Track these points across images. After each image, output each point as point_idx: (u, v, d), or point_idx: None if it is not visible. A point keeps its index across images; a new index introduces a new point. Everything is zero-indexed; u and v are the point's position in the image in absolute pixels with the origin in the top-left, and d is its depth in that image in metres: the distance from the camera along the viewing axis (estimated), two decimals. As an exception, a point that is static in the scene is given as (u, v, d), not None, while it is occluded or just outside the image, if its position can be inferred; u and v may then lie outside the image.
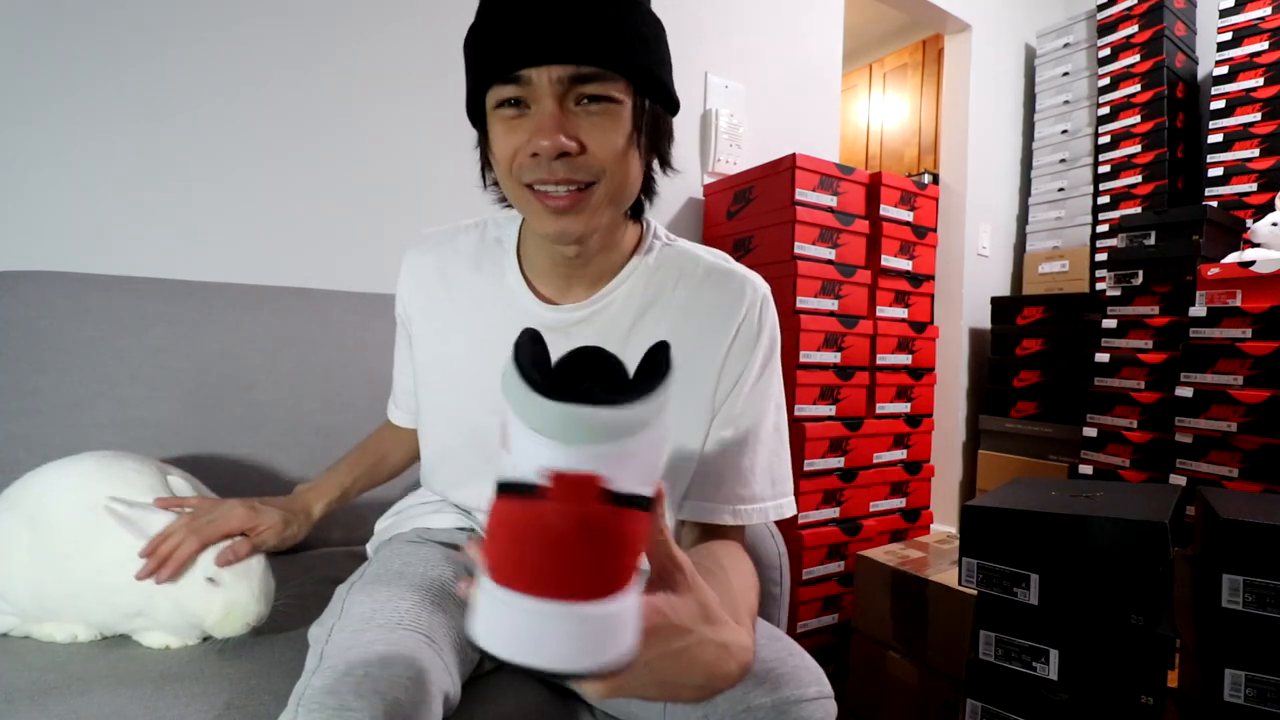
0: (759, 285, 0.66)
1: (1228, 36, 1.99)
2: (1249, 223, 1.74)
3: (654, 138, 0.58)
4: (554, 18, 0.49)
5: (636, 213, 0.64)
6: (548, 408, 0.28)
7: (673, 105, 0.59)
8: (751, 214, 1.58)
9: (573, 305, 0.64)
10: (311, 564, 0.88)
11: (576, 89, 0.51)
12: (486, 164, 0.59)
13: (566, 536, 0.29)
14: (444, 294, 0.69)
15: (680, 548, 0.63)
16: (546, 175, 0.52)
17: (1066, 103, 2.39)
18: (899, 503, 1.63)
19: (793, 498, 0.69)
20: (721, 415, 0.64)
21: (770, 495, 0.66)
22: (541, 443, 0.29)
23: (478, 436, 0.66)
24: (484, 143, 0.57)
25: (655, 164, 0.62)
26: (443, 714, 0.51)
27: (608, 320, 0.64)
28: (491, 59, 0.52)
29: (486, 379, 0.64)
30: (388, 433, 0.84)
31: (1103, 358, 1.78)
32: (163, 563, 0.63)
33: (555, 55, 0.49)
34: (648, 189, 0.63)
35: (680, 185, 1.75)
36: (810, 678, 0.55)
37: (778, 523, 0.85)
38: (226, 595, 0.63)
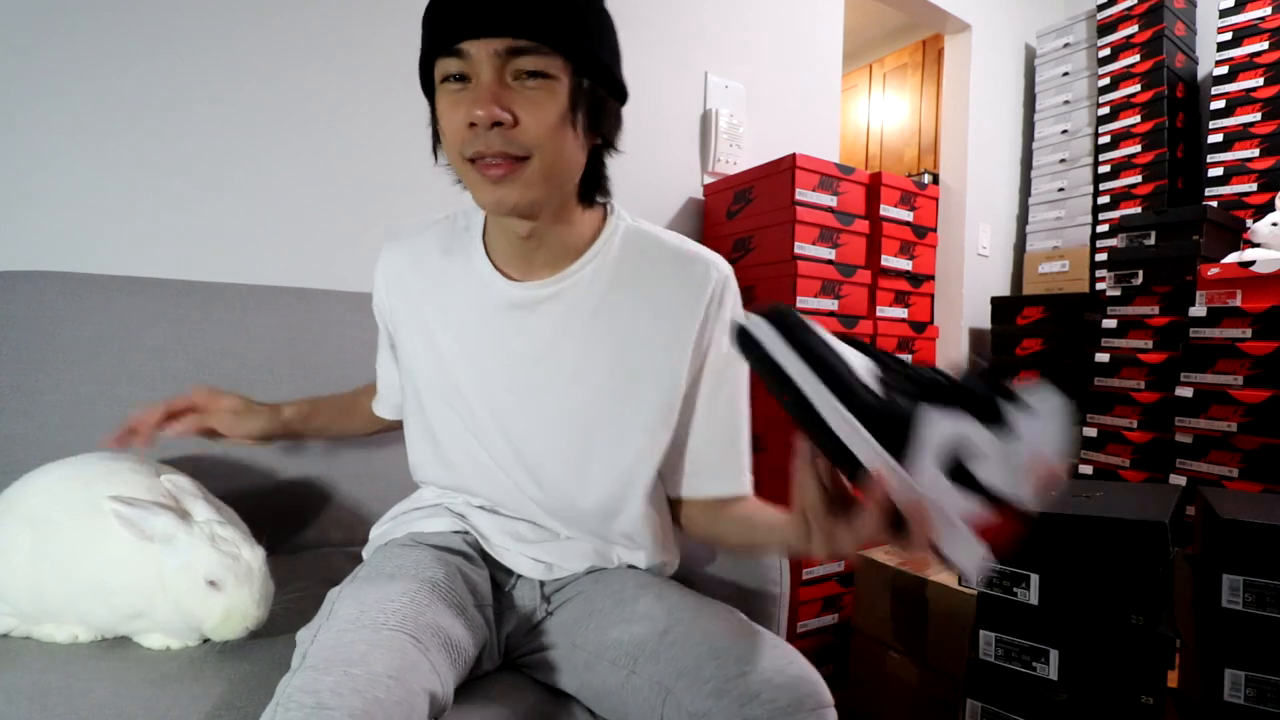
0: (722, 266, 0.69)
1: (1228, 36, 1.99)
2: (1249, 223, 1.74)
3: (595, 119, 0.59)
4: None
5: (590, 198, 0.66)
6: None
7: (619, 92, 0.62)
8: (751, 214, 1.58)
9: (538, 283, 0.66)
10: (311, 566, 0.88)
11: (513, 63, 0.54)
12: (437, 139, 0.61)
13: None
14: (418, 283, 0.72)
15: (691, 522, 0.73)
16: (484, 148, 0.55)
17: (1066, 103, 2.39)
18: (899, 503, 1.63)
19: (749, 473, 0.73)
20: (704, 394, 0.68)
21: (748, 466, 0.71)
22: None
23: (470, 414, 0.70)
24: (435, 118, 0.60)
25: (605, 151, 0.64)
26: (430, 713, 0.51)
27: (574, 298, 0.66)
28: (436, 32, 0.55)
29: (465, 358, 0.69)
30: (359, 400, 0.87)
31: (1103, 358, 1.78)
32: (132, 431, 0.69)
33: (492, 29, 0.52)
34: (596, 175, 0.65)
35: (680, 185, 1.75)
36: (808, 688, 0.54)
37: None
38: (226, 599, 0.63)
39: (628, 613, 0.64)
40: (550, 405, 0.67)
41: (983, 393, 0.40)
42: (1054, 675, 0.91)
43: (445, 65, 0.56)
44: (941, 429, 0.39)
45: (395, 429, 0.84)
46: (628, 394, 0.67)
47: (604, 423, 0.67)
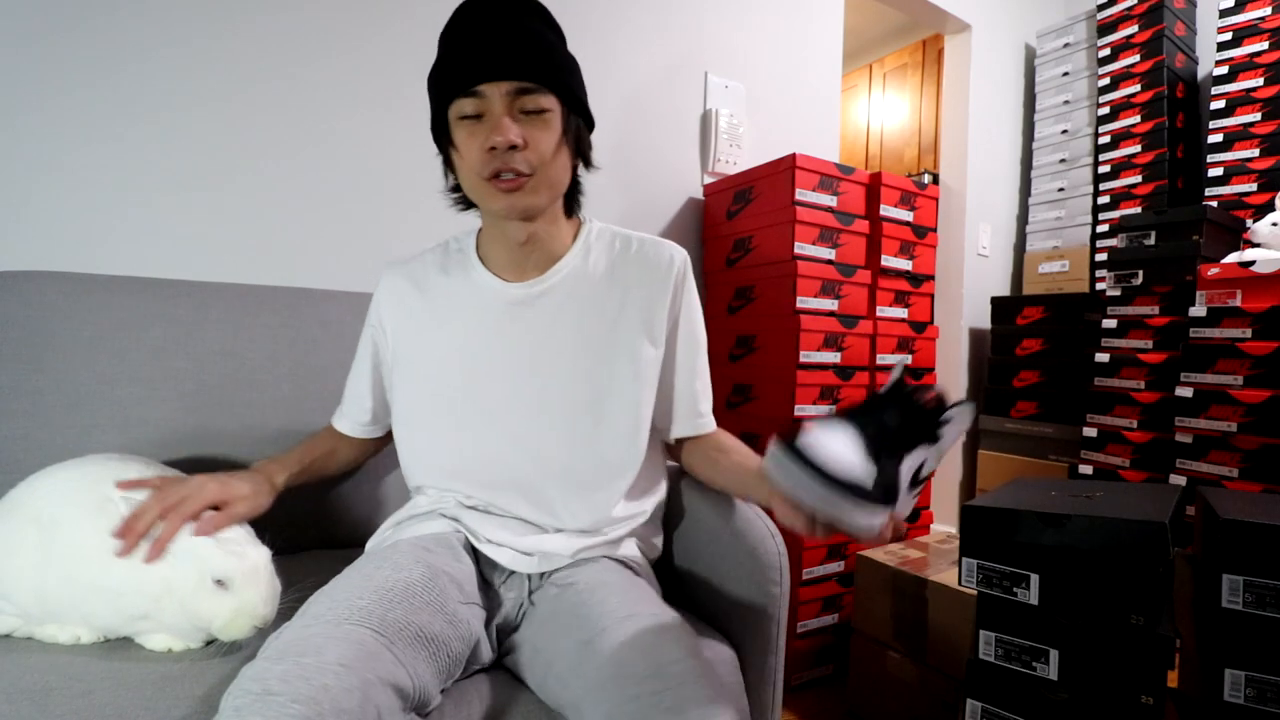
0: (681, 250, 0.84)
1: (1228, 36, 1.99)
2: (1249, 223, 1.74)
3: (577, 143, 0.75)
4: (503, 49, 0.67)
5: (571, 208, 0.82)
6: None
7: (591, 122, 0.78)
8: (751, 214, 1.58)
9: (531, 281, 0.79)
10: (313, 567, 0.88)
11: (520, 101, 0.68)
12: (449, 168, 0.76)
13: None
14: (419, 299, 0.82)
15: (688, 461, 0.87)
16: (501, 165, 0.68)
17: (1066, 103, 2.39)
18: (899, 503, 1.63)
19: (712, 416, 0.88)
20: (680, 352, 0.82)
21: (709, 412, 0.86)
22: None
23: (477, 410, 0.77)
24: (447, 152, 0.74)
25: (581, 169, 0.80)
26: (403, 705, 0.52)
27: (565, 289, 0.79)
28: (455, 79, 0.68)
29: (474, 359, 0.78)
30: (333, 433, 0.90)
31: (1103, 358, 1.78)
32: (138, 540, 0.63)
33: (505, 74, 0.67)
34: (576, 188, 0.80)
35: (680, 185, 1.75)
36: (696, 715, 0.51)
37: (777, 523, 0.87)
38: (236, 599, 0.63)
39: (572, 620, 0.64)
40: (560, 381, 0.76)
41: (930, 422, 0.55)
42: (1054, 675, 0.91)
43: (462, 105, 0.68)
44: (908, 468, 0.54)
45: (370, 456, 0.93)
46: (621, 360, 0.77)
47: (607, 387, 0.77)
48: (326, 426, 0.91)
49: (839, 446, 0.53)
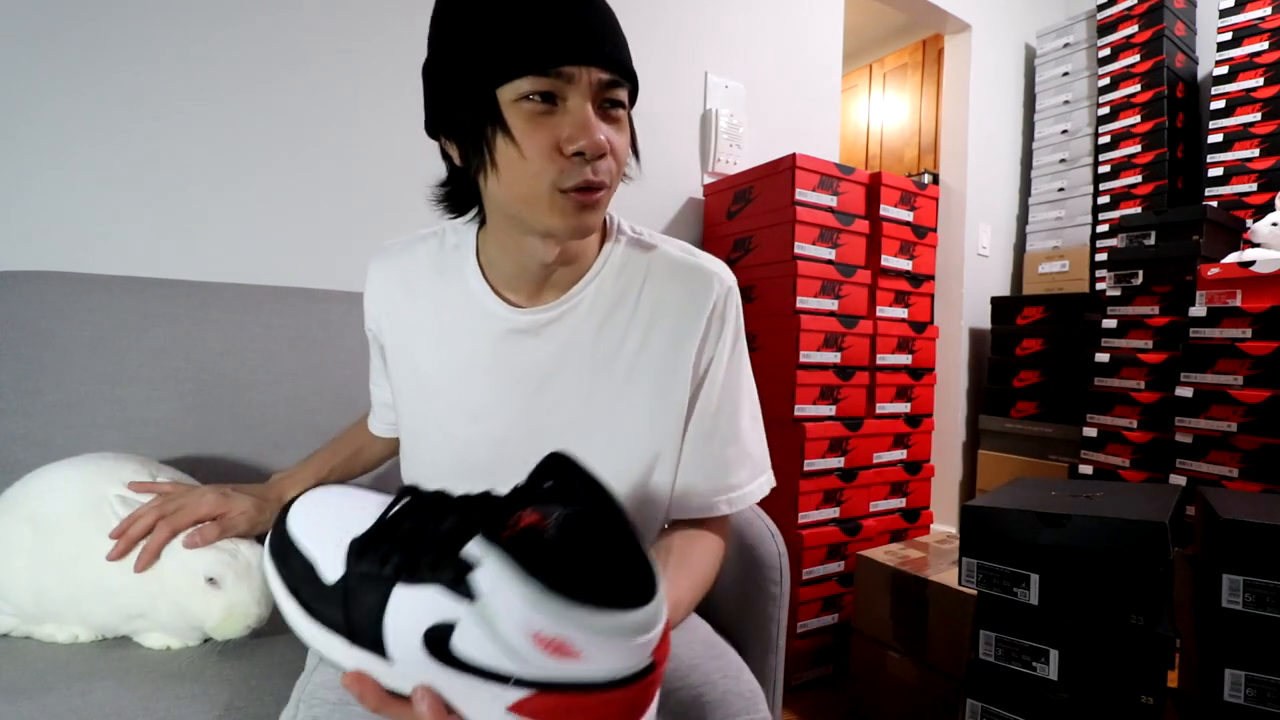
0: (725, 277, 0.66)
1: (1228, 36, 1.99)
2: (1249, 223, 1.74)
3: (634, 142, 0.60)
4: (592, 24, 0.51)
5: None
6: (613, 621, 0.31)
7: None
8: (751, 214, 1.58)
9: (543, 307, 0.63)
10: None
11: (604, 93, 0.52)
12: (473, 167, 0.56)
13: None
14: (409, 303, 0.68)
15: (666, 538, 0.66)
16: (590, 176, 0.52)
17: (1066, 103, 2.39)
18: (899, 503, 1.63)
19: (770, 473, 0.69)
20: (699, 409, 0.64)
21: (749, 480, 0.66)
22: (633, 643, 0.32)
23: (458, 442, 0.66)
24: (479, 143, 0.54)
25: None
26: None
27: (577, 318, 0.63)
28: (525, 51, 0.50)
29: (460, 388, 0.65)
30: (364, 432, 0.85)
31: (1103, 358, 1.78)
32: (132, 545, 0.64)
33: (599, 58, 0.51)
34: None
35: (680, 185, 1.75)
36: (740, 704, 0.53)
37: (778, 523, 0.86)
38: (227, 597, 0.63)
39: None
40: (557, 426, 0.63)
41: (449, 552, 0.33)
42: (1054, 675, 0.91)
43: (531, 83, 0.51)
44: (407, 604, 0.33)
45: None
46: (635, 409, 0.63)
47: (611, 441, 0.63)
48: (358, 424, 0.86)
49: (326, 526, 0.36)
